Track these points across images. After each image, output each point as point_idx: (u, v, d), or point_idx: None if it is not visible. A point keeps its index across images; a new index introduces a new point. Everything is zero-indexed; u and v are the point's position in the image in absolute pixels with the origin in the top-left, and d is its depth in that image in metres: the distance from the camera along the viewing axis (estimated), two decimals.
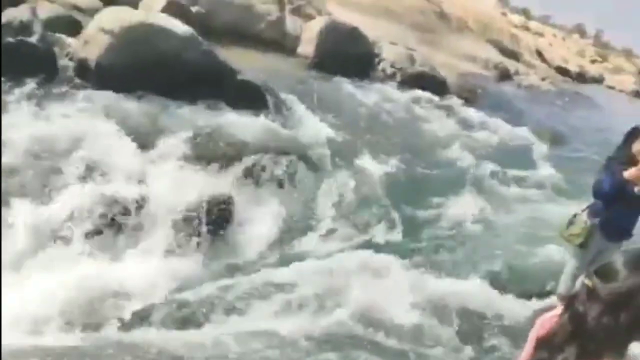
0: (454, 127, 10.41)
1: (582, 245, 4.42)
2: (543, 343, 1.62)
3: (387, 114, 9.59)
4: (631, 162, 4.11)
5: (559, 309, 1.70)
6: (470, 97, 13.48)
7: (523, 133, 11.82)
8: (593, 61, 42.91)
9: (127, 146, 5.20)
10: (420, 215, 6.44)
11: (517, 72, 19.66)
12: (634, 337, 1.48)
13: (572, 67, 29.26)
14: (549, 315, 1.74)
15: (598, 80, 32.24)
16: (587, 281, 1.50)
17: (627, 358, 1.48)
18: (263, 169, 5.80)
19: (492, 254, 5.97)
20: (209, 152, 5.70)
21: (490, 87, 15.80)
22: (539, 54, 28.28)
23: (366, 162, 6.91)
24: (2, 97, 5.19)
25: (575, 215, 4.51)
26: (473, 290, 5.11)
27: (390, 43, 13.68)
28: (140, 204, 4.76)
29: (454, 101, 12.44)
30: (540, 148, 11.27)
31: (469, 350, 4.32)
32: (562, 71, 27.61)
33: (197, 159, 5.49)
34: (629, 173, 4.05)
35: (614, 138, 4.52)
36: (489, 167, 8.61)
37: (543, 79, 21.07)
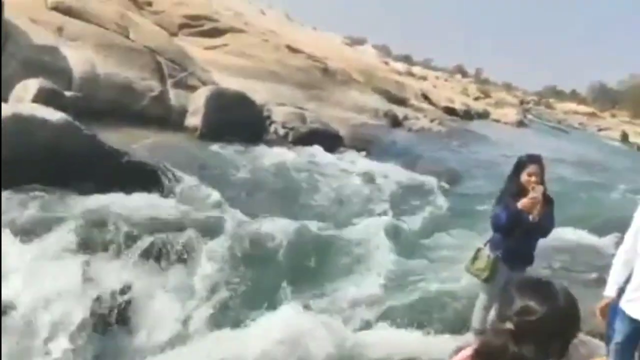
0: (352, 180, 10.78)
1: (488, 279, 4.69)
2: None
3: (283, 175, 9.79)
4: (522, 191, 4.48)
5: (474, 344, 1.83)
6: (364, 147, 14.05)
7: (419, 176, 12.42)
8: (476, 98, 46.00)
9: (7, 240, 4.96)
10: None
11: (406, 118, 20.69)
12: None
13: (458, 106, 31.18)
14: (465, 352, 1.84)
15: (483, 115, 34.52)
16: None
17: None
18: (162, 247, 5.72)
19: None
20: (100, 239, 5.56)
21: (383, 135, 16.54)
22: (425, 97, 29.93)
23: (264, 226, 6.97)
24: None
25: (478, 250, 4.80)
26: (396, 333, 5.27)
27: (279, 104, 14.09)
28: (13, 305, 4.44)
29: (349, 153, 12.92)
30: (437, 188, 11.92)
31: None
32: (449, 111, 29.32)
33: (88, 248, 5.33)
34: (521, 204, 4.40)
35: (506, 169, 4.89)
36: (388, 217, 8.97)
37: (432, 121, 22.30)
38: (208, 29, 18.59)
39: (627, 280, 3.96)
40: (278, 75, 16.67)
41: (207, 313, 5.18)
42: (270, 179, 9.35)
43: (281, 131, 12.96)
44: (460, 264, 5.66)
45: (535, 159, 4.58)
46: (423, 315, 5.76)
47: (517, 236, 4.51)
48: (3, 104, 6.77)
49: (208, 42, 17.45)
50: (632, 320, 3.74)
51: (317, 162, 11.36)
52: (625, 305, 3.89)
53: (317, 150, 12.20)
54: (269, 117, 13.15)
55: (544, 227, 4.56)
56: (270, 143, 12.01)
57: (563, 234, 9.49)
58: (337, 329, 5.13)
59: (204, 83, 12.69)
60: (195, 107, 11.26)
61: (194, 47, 15.28)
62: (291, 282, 5.92)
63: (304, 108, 14.96)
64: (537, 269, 7.26)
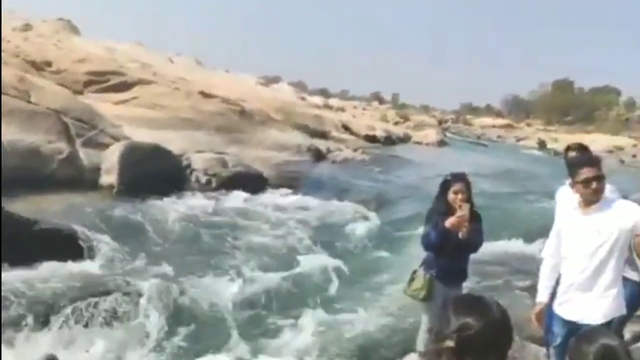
0: (281, 218, 10.79)
1: (426, 299, 4.79)
2: None
3: (207, 224, 9.65)
4: (450, 210, 4.63)
5: None
6: (290, 185, 14.13)
7: (348, 207, 12.61)
8: (396, 123, 47.30)
9: None
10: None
11: (329, 150, 21.00)
12: None
13: (379, 133, 31.89)
14: None
15: (405, 139, 35.44)
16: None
17: None
18: (85, 312, 5.55)
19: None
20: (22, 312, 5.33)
21: (308, 170, 16.69)
22: (346, 127, 30.47)
23: (196, 283, 6.86)
24: None
25: (414, 272, 4.91)
26: None
27: (198, 152, 13.99)
28: None
29: (275, 193, 12.96)
30: (368, 216, 12.14)
31: None
32: (371, 138, 29.95)
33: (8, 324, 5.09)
34: (449, 222, 4.54)
35: (431, 189, 5.03)
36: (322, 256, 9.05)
37: (355, 150, 22.72)
38: (115, 83, 18.37)
39: (558, 283, 4.12)
40: (193, 122, 16.61)
41: None
42: (192, 230, 9.19)
43: (203, 179, 12.85)
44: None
45: (459, 177, 4.76)
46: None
47: (448, 254, 4.64)
48: None
49: (116, 97, 17.23)
50: (567, 322, 3.89)
51: (242, 207, 11.29)
52: (558, 308, 4.05)
53: (241, 194, 12.15)
54: (188, 165, 13.02)
55: (474, 242, 4.72)
56: (192, 192, 11.86)
57: (492, 247, 9.83)
58: None
59: (116, 139, 12.46)
60: (109, 164, 11.03)
61: (101, 103, 15.04)
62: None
63: (225, 152, 14.93)
64: (472, 284, 7.52)
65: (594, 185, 3.70)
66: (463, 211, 4.49)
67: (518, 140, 55.64)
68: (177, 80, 21.54)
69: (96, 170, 11.00)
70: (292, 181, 14.59)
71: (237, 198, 11.91)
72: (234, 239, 9.18)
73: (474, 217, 4.73)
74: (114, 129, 13.32)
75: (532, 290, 6.10)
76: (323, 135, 24.79)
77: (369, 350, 5.88)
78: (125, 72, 19.56)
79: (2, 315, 5.25)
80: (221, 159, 13.67)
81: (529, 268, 8.15)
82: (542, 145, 47.04)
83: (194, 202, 10.89)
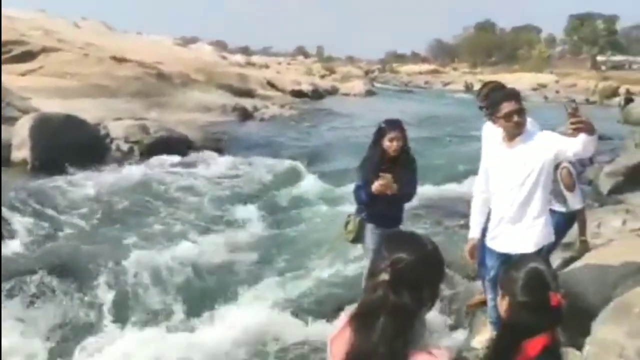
0: (211, 181, 10.64)
1: (355, 240, 4.99)
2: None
3: (132, 193, 9.39)
4: (385, 158, 4.71)
5: (343, 318, 1.89)
6: (217, 146, 13.93)
7: (280, 164, 12.57)
8: (322, 76, 47.29)
9: None
10: None
11: (256, 108, 20.81)
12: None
13: (306, 87, 31.83)
14: (344, 315, 1.89)
15: (332, 92, 35.52)
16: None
17: None
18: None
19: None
20: None
21: (236, 130, 16.51)
22: (271, 84, 30.25)
23: (122, 254, 6.72)
24: None
25: (349, 216, 5.06)
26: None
27: (116, 119, 13.56)
28: None
29: (202, 155, 12.76)
30: (302, 170, 12.16)
31: None
32: (298, 94, 29.89)
33: None
34: (374, 188, 4.60)
35: (361, 139, 5.05)
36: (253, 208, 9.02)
37: (282, 107, 22.64)
38: (18, 53, 17.49)
39: (489, 219, 4.27)
40: (107, 88, 16.07)
41: None
42: (116, 201, 8.93)
43: (124, 147, 12.49)
44: None
45: (394, 125, 4.81)
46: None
47: (381, 204, 4.72)
48: None
49: (21, 68, 16.41)
50: (500, 255, 4.06)
51: (169, 172, 11.05)
52: (490, 242, 4.21)
53: (166, 159, 11.90)
54: (107, 134, 12.60)
55: (406, 194, 4.80)
56: (114, 162, 11.51)
57: (424, 191, 10.07)
58: None
59: (25, 112, 11.89)
60: (19, 139, 10.54)
61: (5, 75, 14.23)
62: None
63: (145, 118, 14.54)
64: (407, 227, 7.70)
65: (515, 118, 3.83)
66: (384, 180, 4.56)
67: (445, 84, 56.82)
68: (85, 46, 20.66)
69: (7, 146, 10.48)
70: (219, 142, 14.41)
71: (163, 164, 11.64)
72: (161, 206, 8.99)
73: (409, 165, 4.82)
74: (22, 101, 12.72)
75: (465, 229, 6.33)
76: (248, 93, 24.51)
77: (322, 301, 5.98)
78: (28, 41, 18.60)
79: None
80: (142, 125, 13.28)
81: (461, 209, 8.40)
82: (468, 88, 48.12)
83: (117, 172, 10.54)
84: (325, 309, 5.69)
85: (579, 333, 4.24)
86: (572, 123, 3.49)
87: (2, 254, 6.24)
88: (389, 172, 4.63)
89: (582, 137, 3.60)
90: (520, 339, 2.08)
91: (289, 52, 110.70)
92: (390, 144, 4.68)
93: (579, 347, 4.02)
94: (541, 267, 2.17)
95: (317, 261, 7.07)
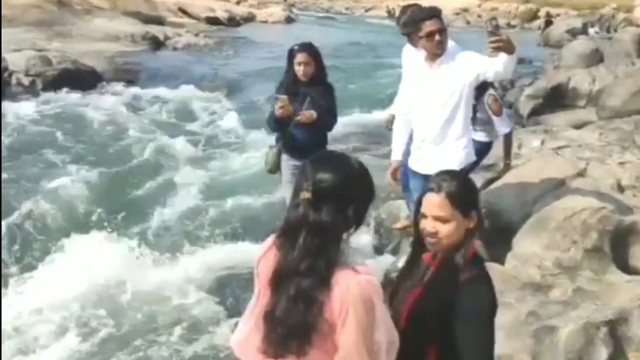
0: (124, 114, 10.33)
1: (272, 171, 5.05)
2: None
3: (37, 130, 9.00)
4: (296, 82, 4.72)
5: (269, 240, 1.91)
6: (129, 78, 13.46)
7: (198, 94, 12.35)
8: (238, 2, 45.82)
9: None
10: None
11: (167, 37, 20.07)
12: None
13: (221, 14, 30.82)
14: (270, 238, 1.92)
15: (249, 19, 34.62)
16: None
17: None
18: None
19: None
20: None
21: (147, 60, 15.93)
22: (184, 11, 29.16)
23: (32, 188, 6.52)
24: None
25: (270, 148, 5.07)
26: None
27: (14, 50, 12.81)
28: None
29: (113, 88, 12.32)
30: (222, 101, 12.03)
31: None
32: (213, 21, 28.96)
33: None
34: (276, 113, 4.64)
35: (283, 68, 4.98)
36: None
37: (197, 35, 21.92)
38: None
39: (412, 142, 4.39)
40: (4, 18, 15.04)
41: None
42: (19, 139, 8.56)
43: (25, 80, 11.88)
44: None
45: (303, 48, 4.77)
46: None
47: (299, 132, 4.74)
48: None
49: None
50: (423, 176, 4.18)
51: (76, 105, 10.58)
52: (414, 164, 4.35)
53: (71, 94, 11.40)
54: (6, 68, 11.91)
55: (324, 122, 4.80)
56: (15, 97, 10.92)
57: (348, 119, 10.22)
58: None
59: None
60: None
61: None
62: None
63: (46, 49, 13.79)
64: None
65: (437, 37, 3.89)
66: (282, 102, 4.59)
67: (367, 10, 56.45)
68: None
69: None
70: (130, 74, 13.87)
71: (69, 98, 11.13)
72: (70, 142, 8.67)
73: (326, 92, 4.80)
74: None
75: (390, 155, 6.49)
76: (158, 21, 23.55)
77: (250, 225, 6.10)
78: None
79: None
80: (44, 57, 12.60)
81: (386, 134, 8.57)
82: (390, 14, 48.03)
83: (18, 108, 9.99)
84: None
85: (503, 249, 4.52)
86: (491, 42, 3.57)
87: None
88: (304, 99, 4.65)
89: (503, 56, 3.71)
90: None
91: None
92: (299, 68, 4.67)
93: (503, 263, 4.28)
94: (454, 182, 2.21)
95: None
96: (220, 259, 5.50)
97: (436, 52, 3.97)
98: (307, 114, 4.62)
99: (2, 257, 5.39)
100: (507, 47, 3.59)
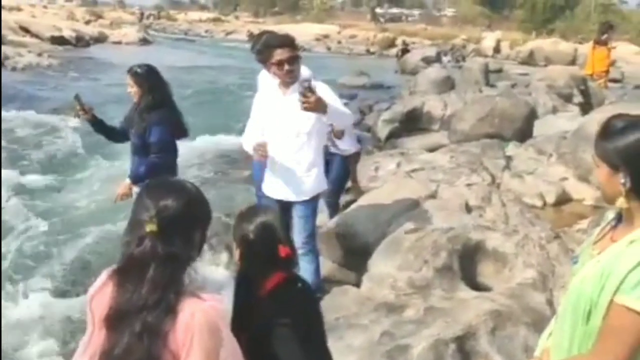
0: None
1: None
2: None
3: None
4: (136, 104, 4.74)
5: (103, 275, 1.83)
6: None
7: (40, 118, 11.75)
8: (88, 22, 44.36)
9: None
10: None
11: (7, 57, 19.02)
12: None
13: (68, 34, 29.72)
14: (104, 274, 1.83)
15: (101, 39, 33.61)
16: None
17: None
18: None
19: None
20: None
21: None
22: (26, 30, 27.88)
23: None
24: None
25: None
26: None
27: None
28: None
29: None
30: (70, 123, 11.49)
31: None
32: (59, 40, 27.87)
33: None
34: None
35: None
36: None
37: (40, 55, 20.99)
38: None
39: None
40: None
41: None
42: None
43: None
44: None
45: (129, 70, 4.69)
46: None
47: (136, 154, 4.66)
48: None
49: None
50: (276, 201, 4.23)
51: None
52: (267, 189, 4.39)
53: None
54: None
55: (148, 143, 4.62)
56: None
57: (209, 141, 10.17)
58: None
59: None
60: None
61: None
62: None
63: None
64: (190, 177, 7.73)
65: (286, 66, 3.97)
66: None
67: (227, 34, 56.62)
68: None
69: None
70: None
71: None
72: None
73: (153, 115, 4.61)
74: None
75: (250, 180, 6.50)
76: None
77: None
78: None
79: None
80: None
81: (241, 159, 8.60)
82: (251, 37, 48.41)
83: None
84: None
85: (359, 271, 4.64)
86: (302, 102, 3.68)
87: None
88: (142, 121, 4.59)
89: (340, 109, 4.00)
90: (257, 280, 2.28)
91: None
92: (129, 90, 4.62)
93: (359, 284, 4.40)
94: (270, 220, 2.34)
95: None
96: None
97: (286, 80, 4.05)
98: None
99: None
100: (316, 108, 3.68)
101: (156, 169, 4.43)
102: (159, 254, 1.67)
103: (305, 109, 3.68)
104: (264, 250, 2.26)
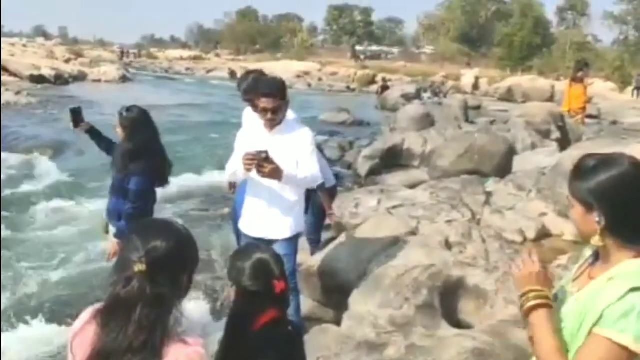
0: None
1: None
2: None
3: None
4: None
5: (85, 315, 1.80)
6: None
7: (16, 158, 11.68)
8: (67, 60, 44.41)
9: None
10: None
11: None
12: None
13: (47, 72, 29.75)
14: (86, 313, 1.81)
15: (81, 77, 33.66)
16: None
17: None
18: None
19: None
20: None
21: None
22: (4, 69, 27.83)
23: None
24: None
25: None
26: None
27: None
28: None
29: None
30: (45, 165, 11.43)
31: None
32: (38, 79, 27.88)
33: None
34: None
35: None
36: None
37: (18, 93, 20.95)
38: None
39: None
40: None
41: None
42: None
43: None
44: None
45: (119, 111, 4.63)
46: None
47: (114, 195, 4.63)
48: None
49: None
50: (254, 239, 4.21)
51: None
52: (245, 228, 4.37)
53: None
54: None
55: (128, 190, 4.53)
56: None
57: (188, 178, 10.15)
58: None
59: None
60: None
61: None
62: None
63: None
64: (171, 214, 7.72)
65: (269, 115, 4.04)
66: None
67: (208, 71, 57.03)
68: None
69: None
70: None
71: None
72: None
73: (135, 167, 4.50)
74: None
75: (228, 218, 6.48)
76: None
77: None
78: None
79: None
80: None
81: (224, 196, 8.59)
82: (233, 75, 48.85)
83: None
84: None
85: (339, 309, 4.61)
86: (258, 172, 3.77)
87: None
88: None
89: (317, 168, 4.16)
90: (251, 317, 2.29)
91: (25, 33, 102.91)
92: (117, 130, 4.61)
93: (340, 323, 4.37)
94: (266, 257, 2.39)
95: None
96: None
97: (269, 125, 4.12)
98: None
99: None
100: (271, 177, 3.82)
101: (132, 220, 4.40)
102: (147, 295, 1.66)
103: (262, 176, 3.82)
104: (259, 288, 2.31)
